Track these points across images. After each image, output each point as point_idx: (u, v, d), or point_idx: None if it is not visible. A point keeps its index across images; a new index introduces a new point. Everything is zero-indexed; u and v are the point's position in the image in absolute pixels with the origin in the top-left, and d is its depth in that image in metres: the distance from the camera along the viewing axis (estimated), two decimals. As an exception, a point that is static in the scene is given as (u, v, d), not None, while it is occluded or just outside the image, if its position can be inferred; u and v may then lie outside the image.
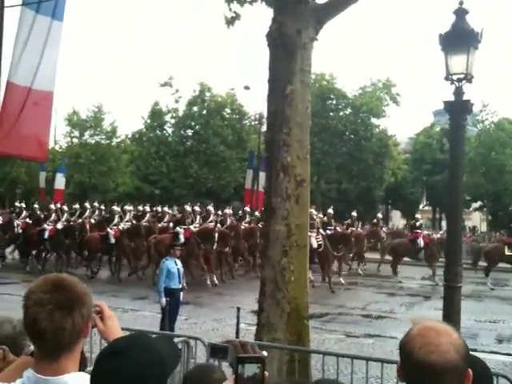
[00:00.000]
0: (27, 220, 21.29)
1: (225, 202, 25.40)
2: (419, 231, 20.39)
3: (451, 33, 6.50)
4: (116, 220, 18.70)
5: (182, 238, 16.43)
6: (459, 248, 6.48)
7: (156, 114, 43.31)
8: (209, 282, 16.52)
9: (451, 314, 6.00)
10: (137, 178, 42.93)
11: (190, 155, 41.39)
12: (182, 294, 10.27)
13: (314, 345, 9.41)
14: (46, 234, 19.09)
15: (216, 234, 16.65)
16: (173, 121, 44.12)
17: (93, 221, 20.53)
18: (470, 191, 39.76)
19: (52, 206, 21.10)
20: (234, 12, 7.32)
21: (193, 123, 43.11)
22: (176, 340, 5.16)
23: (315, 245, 16.11)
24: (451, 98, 6.58)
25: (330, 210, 19.61)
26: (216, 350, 1.71)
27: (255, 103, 69.05)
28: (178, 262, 10.32)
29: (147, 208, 22.66)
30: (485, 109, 40.12)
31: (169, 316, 9.54)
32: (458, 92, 6.45)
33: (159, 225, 20.15)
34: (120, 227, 18.34)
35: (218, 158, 41.17)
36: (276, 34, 6.03)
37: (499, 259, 19.42)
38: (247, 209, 22.14)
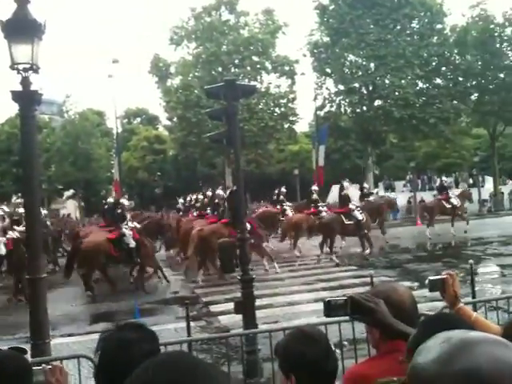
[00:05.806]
0: None
1: None
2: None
3: (13, 21, 6.26)
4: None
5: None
6: (39, 241, 6.43)
7: None
8: None
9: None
10: None
11: None
12: None
13: None
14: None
15: None
16: None
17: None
18: (61, 180, 40.23)
19: None
20: None
21: None
22: None
23: None
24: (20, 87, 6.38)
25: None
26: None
27: None
28: None
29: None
30: (68, 99, 41.10)
31: None
32: (25, 82, 6.30)
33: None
34: None
35: None
36: None
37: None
38: None
